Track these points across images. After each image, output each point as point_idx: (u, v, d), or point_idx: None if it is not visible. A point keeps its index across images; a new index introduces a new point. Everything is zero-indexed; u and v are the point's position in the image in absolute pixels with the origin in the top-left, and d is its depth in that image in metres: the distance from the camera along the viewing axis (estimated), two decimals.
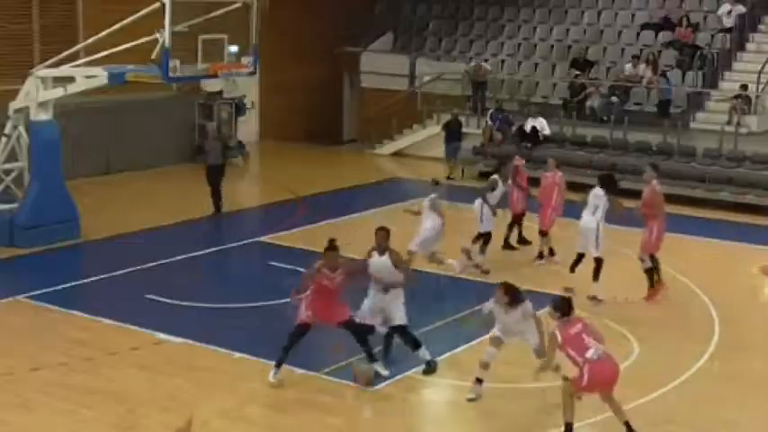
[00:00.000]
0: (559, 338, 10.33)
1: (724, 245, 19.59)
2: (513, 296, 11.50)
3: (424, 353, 12.50)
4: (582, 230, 15.60)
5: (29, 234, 17.70)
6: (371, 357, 12.17)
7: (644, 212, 15.52)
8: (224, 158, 21.18)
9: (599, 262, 15.40)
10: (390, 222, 18.03)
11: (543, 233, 17.66)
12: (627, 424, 10.51)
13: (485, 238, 16.97)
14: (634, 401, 11.61)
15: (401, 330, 12.46)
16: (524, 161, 18.63)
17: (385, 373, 12.22)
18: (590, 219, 15.46)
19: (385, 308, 12.40)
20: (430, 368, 12.50)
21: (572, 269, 15.78)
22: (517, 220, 18.18)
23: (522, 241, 18.41)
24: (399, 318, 12.37)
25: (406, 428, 11.37)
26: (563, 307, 10.56)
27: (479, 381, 11.77)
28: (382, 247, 12.35)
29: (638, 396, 11.76)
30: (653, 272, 15.61)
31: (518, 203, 17.97)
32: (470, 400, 11.77)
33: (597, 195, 15.52)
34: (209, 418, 11.15)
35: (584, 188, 22.72)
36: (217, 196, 20.75)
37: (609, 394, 10.50)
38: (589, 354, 10.18)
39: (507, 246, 18.20)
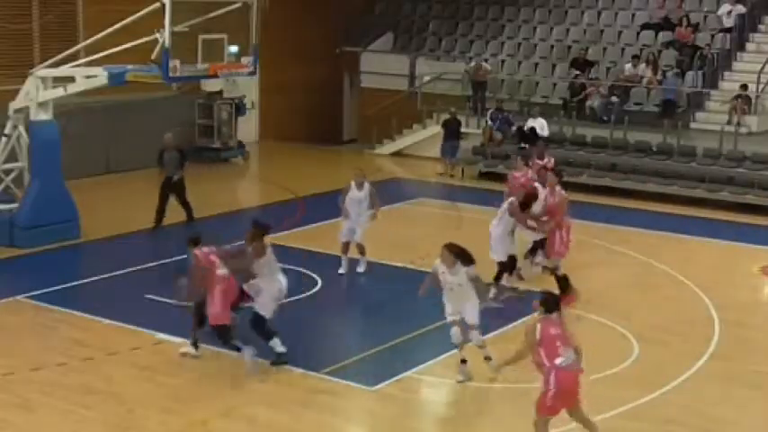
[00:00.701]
0: (538, 334, 9.71)
1: (724, 245, 19.59)
2: (458, 255, 11.80)
3: (276, 344, 12.45)
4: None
5: (29, 234, 17.70)
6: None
7: (549, 218, 15.11)
8: (182, 170, 19.37)
9: (500, 265, 15.25)
10: (390, 222, 18.14)
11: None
12: None
13: (539, 243, 17.01)
14: (634, 401, 11.63)
15: (255, 318, 12.45)
16: (549, 163, 18.16)
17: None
18: (493, 226, 15.36)
19: (254, 296, 12.63)
20: (280, 360, 12.45)
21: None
22: None
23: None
24: (260, 306, 12.44)
25: (406, 428, 11.37)
26: (548, 302, 9.95)
27: (464, 361, 12.12)
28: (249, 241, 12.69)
29: (638, 396, 11.78)
30: (565, 278, 15.05)
31: None
32: (460, 381, 12.07)
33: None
34: (209, 418, 11.16)
35: (586, 189, 22.88)
36: (184, 206, 19.59)
37: (577, 409, 9.96)
38: (558, 360, 9.64)
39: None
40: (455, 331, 12.08)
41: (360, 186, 16.39)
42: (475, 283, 12.04)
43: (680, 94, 25.86)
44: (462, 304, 12.03)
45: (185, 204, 19.68)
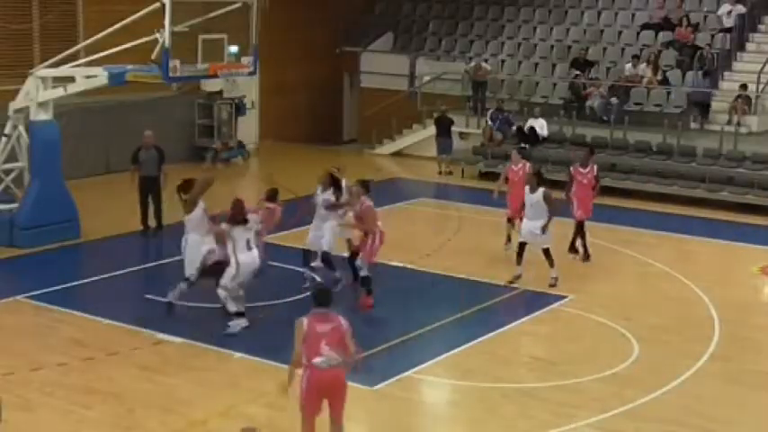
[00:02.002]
0: (305, 326, 9.24)
1: (724, 245, 19.58)
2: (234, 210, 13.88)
3: None
4: None
5: (29, 234, 17.69)
6: None
7: (358, 226, 15.20)
8: (159, 170, 18.89)
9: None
10: (390, 222, 18.11)
11: (510, 220, 17.84)
12: None
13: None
14: (634, 401, 11.63)
15: None
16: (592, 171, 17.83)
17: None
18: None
19: None
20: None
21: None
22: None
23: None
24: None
25: (406, 428, 11.37)
26: (318, 296, 9.54)
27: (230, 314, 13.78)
28: None
29: (639, 396, 11.77)
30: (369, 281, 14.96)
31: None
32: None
33: (325, 200, 15.68)
34: (209, 417, 11.15)
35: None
36: (156, 210, 19.20)
37: (336, 415, 9.68)
38: (317, 360, 9.26)
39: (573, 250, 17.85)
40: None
41: (324, 189, 16.33)
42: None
43: (678, 93, 25.84)
44: None
45: (159, 209, 19.21)
